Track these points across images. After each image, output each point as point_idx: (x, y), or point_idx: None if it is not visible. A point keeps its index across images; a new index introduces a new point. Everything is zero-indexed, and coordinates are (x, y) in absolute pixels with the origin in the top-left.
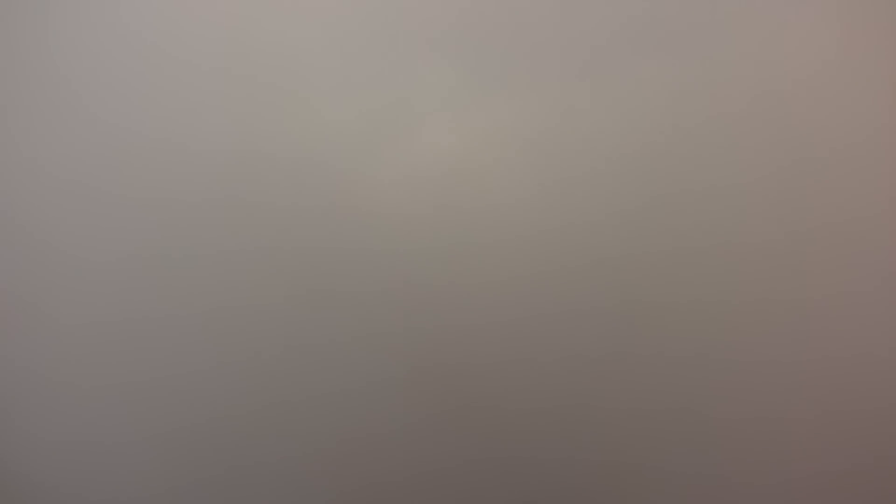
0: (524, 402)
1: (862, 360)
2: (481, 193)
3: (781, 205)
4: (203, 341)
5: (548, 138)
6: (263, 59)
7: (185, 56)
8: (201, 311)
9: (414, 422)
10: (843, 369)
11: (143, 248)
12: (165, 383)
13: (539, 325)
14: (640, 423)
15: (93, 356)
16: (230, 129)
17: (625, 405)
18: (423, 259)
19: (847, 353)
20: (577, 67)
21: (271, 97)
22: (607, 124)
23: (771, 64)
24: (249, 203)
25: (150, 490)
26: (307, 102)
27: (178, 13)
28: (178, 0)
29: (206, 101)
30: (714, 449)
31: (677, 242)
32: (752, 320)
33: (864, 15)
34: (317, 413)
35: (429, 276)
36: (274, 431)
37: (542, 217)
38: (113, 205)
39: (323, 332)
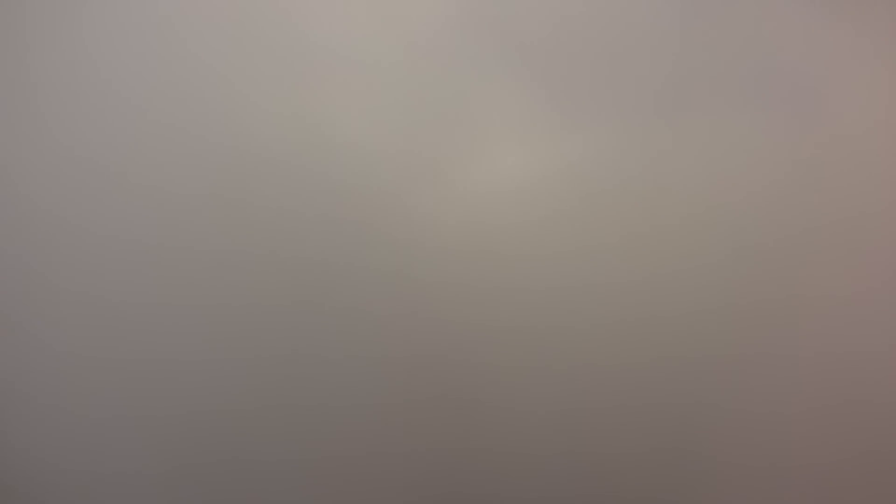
0: (522, 429)
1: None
2: (538, 233)
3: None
4: (205, 343)
5: (623, 182)
6: (323, 66)
7: (223, 55)
8: (207, 314)
9: (409, 449)
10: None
11: (148, 246)
12: (165, 382)
13: (549, 374)
14: (641, 422)
15: (94, 353)
16: (265, 133)
17: (628, 413)
18: (456, 292)
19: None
20: (657, 108)
21: (328, 103)
22: (683, 169)
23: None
24: (278, 209)
25: (148, 487)
26: (363, 115)
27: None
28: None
29: (248, 104)
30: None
31: (729, 299)
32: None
33: None
34: (314, 419)
35: (458, 311)
36: (274, 432)
37: (592, 268)
38: (121, 199)
39: (328, 343)
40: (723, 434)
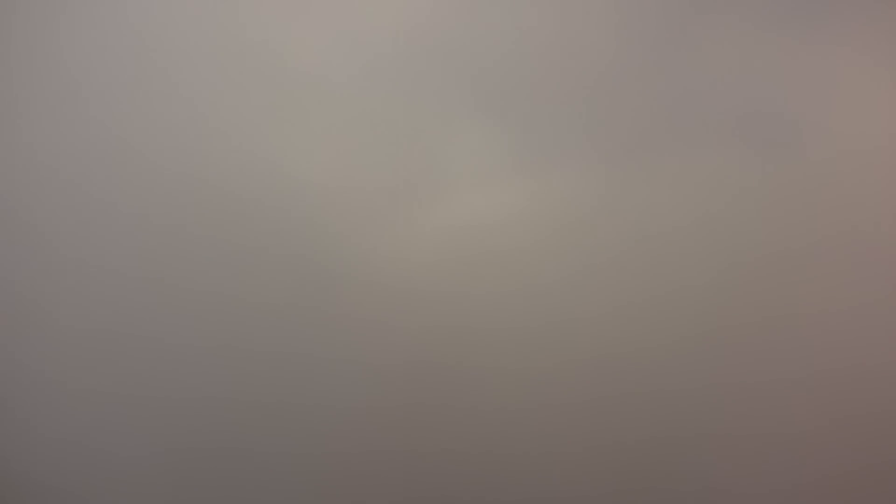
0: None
1: None
2: (502, 273)
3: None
4: (202, 345)
5: (586, 222)
6: (285, 101)
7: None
8: (204, 316)
9: (396, 447)
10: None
11: (144, 252)
12: (169, 369)
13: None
14: (621, 420)
15: (90, 354)
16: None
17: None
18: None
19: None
20: (626, 147)
21: (288, 138)
22: (647, 209)
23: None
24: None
25: (147, 467)
26: (326, 152)
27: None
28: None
29: (218, 139)
30: None
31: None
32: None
33: None
34: (304, 416)
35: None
36: (268, 426)
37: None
38: (117, 206)
39: (324, 356)
40: (720, 436)
